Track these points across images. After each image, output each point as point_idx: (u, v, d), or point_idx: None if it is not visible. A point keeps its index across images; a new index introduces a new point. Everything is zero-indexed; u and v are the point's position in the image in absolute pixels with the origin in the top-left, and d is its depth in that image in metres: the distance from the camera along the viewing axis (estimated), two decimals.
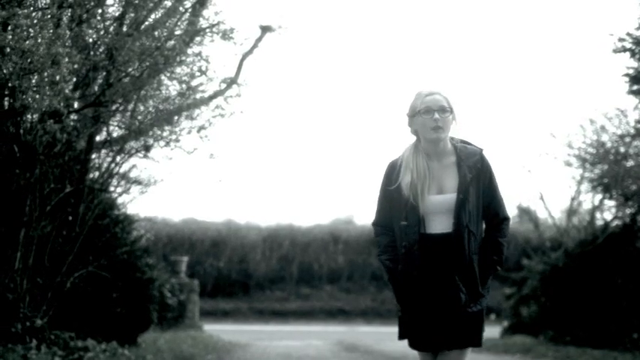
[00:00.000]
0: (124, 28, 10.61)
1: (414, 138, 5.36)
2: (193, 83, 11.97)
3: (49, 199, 10.91)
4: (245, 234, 33.77)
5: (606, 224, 17.68)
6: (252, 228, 34.48)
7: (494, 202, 5.30)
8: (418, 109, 5.23)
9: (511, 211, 24.18)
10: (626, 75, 13.54)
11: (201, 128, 12.05)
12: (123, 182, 13.75)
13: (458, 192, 5.15)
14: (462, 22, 44.40)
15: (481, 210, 5.25)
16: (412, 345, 5.28)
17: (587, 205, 19.76)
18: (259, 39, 14.70)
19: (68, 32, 9.13)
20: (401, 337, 5.32)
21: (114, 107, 11.28)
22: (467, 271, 5.14)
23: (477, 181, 5.22)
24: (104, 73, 10.82)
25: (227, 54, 13.67)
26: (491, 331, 19.14)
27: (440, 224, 5.18)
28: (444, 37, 44.51)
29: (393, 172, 5.32)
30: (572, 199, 19.41)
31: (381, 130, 43.39)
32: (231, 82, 13.31)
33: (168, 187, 20.39)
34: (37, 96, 8.83)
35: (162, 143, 12.20)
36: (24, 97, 9.08)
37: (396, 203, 5.26)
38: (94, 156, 12.37)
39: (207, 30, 11.51)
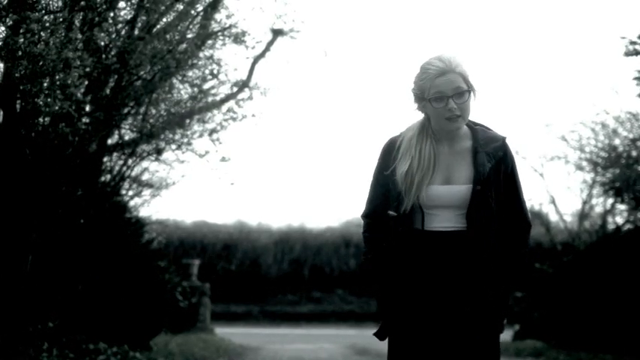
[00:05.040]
0: (136, 32, 10.63)
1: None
2: (205, 86, 12.04)
3: (61, 203, 10.93)
4: (256, 237, 33.78)
5: (618, 228, 17.64)
6: (263, 231, 34.44)
7: (515, 202, 4.29)
8: (427, 95, 4.21)
9: None
10: (638, 78, 13.50)
11: (213, 131, 12.10)
12: (134, 185, 13.81)
13: (474, 183, 4.14)
14: (469, 25, 44.38)
15: (499, 208, 4.22)
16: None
17: (598, 209, 19.79)
18: (271, 42, 14.71)
19: (80, 36, 9.16)
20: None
21: (125, 110, 11.31)
22: (486, 279, 4.18)
23: (497, 173, 4.20)
24: (116, 77, 10.85)
25: (239, 57, 13.71)
26: (503, 335, 19.00)
27: (444, 220, 4.18)
28: (455, 39, 44.47)
29: (390, 152, 4.39)
30: (584, 202, 19.42)
31: (393, 134, 43.33)
32: (242, 85, 13.34)
33: (180, 190, 20.42)
34: (49, 99, 8.85)
35: (173, 146, 12.27)
36: (35, 100, 9.11)
37: (390, 191, 4.29)
38: (105, 159, 12.40)
39: (219, 33, 11.55)
